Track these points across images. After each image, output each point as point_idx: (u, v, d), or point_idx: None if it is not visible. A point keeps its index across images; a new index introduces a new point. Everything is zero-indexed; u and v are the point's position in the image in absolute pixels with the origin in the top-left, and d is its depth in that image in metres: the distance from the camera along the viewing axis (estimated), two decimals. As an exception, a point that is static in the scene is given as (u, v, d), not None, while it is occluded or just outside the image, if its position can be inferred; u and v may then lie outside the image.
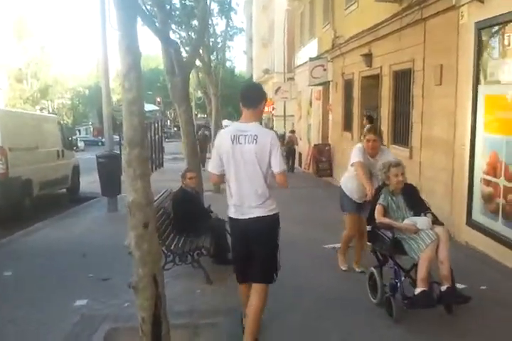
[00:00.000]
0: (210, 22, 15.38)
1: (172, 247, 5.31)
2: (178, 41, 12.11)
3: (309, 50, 18.06)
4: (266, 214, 3.74)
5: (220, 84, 17.21)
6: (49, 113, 43.46)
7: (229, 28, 18.31)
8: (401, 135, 9.53)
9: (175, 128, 53.58)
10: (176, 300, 4.59)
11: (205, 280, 5.32)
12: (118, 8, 3.15)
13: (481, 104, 6.32)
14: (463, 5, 6.61)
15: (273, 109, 29.50)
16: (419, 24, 8.16)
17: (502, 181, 5.89)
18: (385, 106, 10.29)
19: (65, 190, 13.42)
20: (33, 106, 49.87)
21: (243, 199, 3.73)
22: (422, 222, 4.32)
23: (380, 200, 4.53)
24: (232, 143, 3.69)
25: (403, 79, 9.31)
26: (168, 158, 23.81)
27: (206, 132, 22.10)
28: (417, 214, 4.48)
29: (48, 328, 4.34)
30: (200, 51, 13.70)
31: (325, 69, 15.40)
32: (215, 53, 18.08)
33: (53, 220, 9.68)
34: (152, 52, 57.05)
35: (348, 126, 13.50)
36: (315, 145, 16.88)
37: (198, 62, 14.66)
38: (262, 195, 3.72)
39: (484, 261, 6.02)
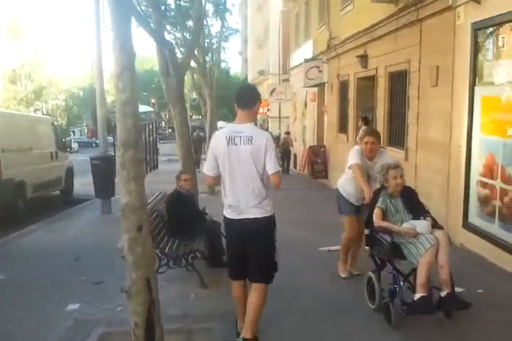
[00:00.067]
0: (205, 23, 15.31)
1: (166, 250, 5.24)
2: (173, 42, 12.07)
3: (304, 51, 18.05)
4: (262, 216, 3.76)
5: (215, 86, 17.16)
6: (43, 114, 43.29)
7: (224, 29, 18.24)
8: (397, 136, 9.50)
9: (169, 130, 53.48)
10: (170, 304, 4.53)
11: (200, 284, 5.25)
12: (112, 7, 3.10)
13: (477, 105, 6.29)
14: (459, 5, 6.59)
15: (268, 110, 29.49)
16: (415, 25, 8.13)
17: (498, 183, 5.86)
18: (381, 108, 10.26)
19: (58, 192, 13.34)
20: (27, 108, 49.65)
21: (239, 200, 3.75)
22: (422, 225, 4.24)
23: (379, 203, 4.45)
24: (228, 144, 3.71)
25: (399, 81, 9.28)
26: (162, 159, 23.75)
27: (201, 133, 22.04)
28: (416, 217, 4.40)
29: (40, 332, 4.28)
30: (195, 52, 13.64)
31: (320, 71, 15.38)
32: (210, 54, 18.01)
33: (47, 222, 9.61)
34: (147, 53, 56.96)
35: (343, 127, 13.48)
36: (310, 146, 16.85)
37: (193, 63, 14.60)
38: (258, 195, 3.74)
39: (480, 264, 5.99)
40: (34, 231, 8.73)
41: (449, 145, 7.06)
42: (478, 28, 6.15)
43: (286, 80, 24.23)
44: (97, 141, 12.07)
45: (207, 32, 17.08)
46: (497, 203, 5.90)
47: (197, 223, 5.79)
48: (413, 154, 8.47)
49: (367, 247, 4.65)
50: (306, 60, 16.15)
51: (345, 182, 5.43)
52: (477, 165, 6.35)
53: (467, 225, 6.56)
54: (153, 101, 48.29)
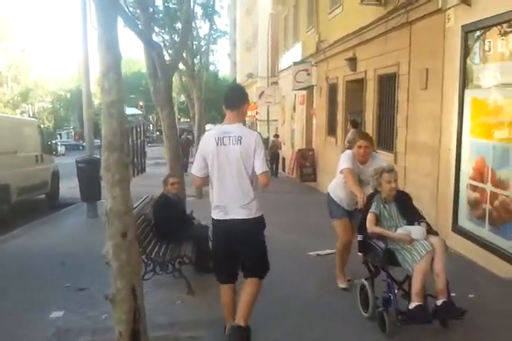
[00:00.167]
0: (193, 25, 15.24)
1: (152, 255, 5.12)
2: (162, 44, 11.97)
3: (293, 54, 18.04)
4: (251, 217, 3.77)
5: (204, 88, 17.08)
6: (29, 117, 42.89)
7: (212, 31, 18.21)
8: (386, 140, 9.47)
9: (157, 133, 53.21)
10: (156, 311, 4.43)
11: (187, 291, 5.13)
12: (98, 5, 3.02)
13: (467, 108, 6.27)
14: (449, 8, 6.56)
15: (256, 113, 29.44)
16: (404, 27, 8.11)
17: (489, 187, 5.84)
18: (370, 111, 10.24)
19: (44, 196, 13.16)
20: (14, 110, 49.15)
21: (227, 200, 3.76)
22: (417, 231, 4.12)
23: (372, 208, 4.32)
24: (217, 144, 3.73)
25: (388, 84, 9.26)
26: (150, 162, 23.59)
27: (189, 136, 21.93)
28: (410, 223, 4.28)
29: (22, 342, 4.14)
30: (184, 54, 13.57)
31: (309, 74, 15.37)
32: (198, 57, 17.95)
33: (31, 226, 9.46)
34: (134, 55, 56.82)
35: (332, 130, 13.45)
36: (299, 150, 16.83)
37: (181, 66, 14.52)
38: (247, 195, 3.75)
39: (470, 268, 5.94)
40: (18, 236, 8.57)
41: (439, 148, 7.03)
42: (468, 30, 6.13)
43: (275, 83, 24.21)
44: (84, 144, 11.92)
45: (195, 34, 17.03)
46: (487, 207, 5.88)
47: (184, 228, 5.69)
48: (402, 157, 8.44)
49: (360, 253, 4.51)
50: (294, 63, 16.14)
51: (336, 186, 5.29)
52: (467, 169, 6.32)
53: (457, 229, 6.53)
54: (141, 103, 48.13)
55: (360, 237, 4.46)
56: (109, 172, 3.04)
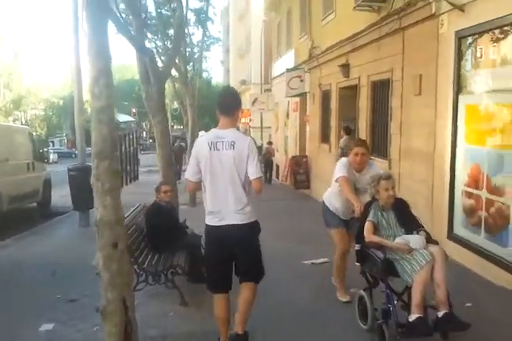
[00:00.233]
0: (186, 31, 15.21)
1: (145, 265, 5.02)
2: (154, 50, 11.93)
3: (286, 61, 18.05)
4: (245, 222, 3.76)
5: (197, 95, 17.04)
6: (22, 124, 42.70)
7: (206, 38, 18.18)
8: (379, 146, 9.43)
9: (150, 140, 53.16)
10: (148, 323, 4.34)
11: (180, 302, 5.02)
12: (88, 9, 2.97)
13: (461, 114, 6.23)
14: (443, 13, 6.54)
15: (250, 120, 29.43)
16: (397, 33, 8.09)
17: (484, 193, 5.79)
18: (363, 117, 10.21)
19: (35, 204, 13.02)
20: (6, 118, 48.96)
21: (221, 206, 3.75)
22: (416, 240, 3.99)
23: (370, 217, 4.19)
24: (210, 149, 3.72)
25: (381, 90, 9.24)
26: (143, 170, 23.50)
27: (182, 143, 21.85)
28: (408, 231, 4.17)
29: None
30: (177, 61, 13.52)
31: (302, 80, 15.35)
32: (191, 63, 17.91)
33: (23, 236, 9.34)
34: (127, 61, 56.74)
35: (325, 137, 13.42)
36: (292, 156, 16.79)
37: (174, 72, 14.47)
38: (240, 200, 3.74)
39: (466, 276, 5.87)
40: (9, 246, 8.47)
41: (433, 154, 6.99)
42: (462, 35, 6.11)
43: (268, 90, 24.21)
44: (77, 152, 11.82)
45: (188, 41, 17.00)
46: (483, 214, 5.82)
47: (177, 237, 5.58)
48: (396, 164, 8.39)
49: (357, 263, 4.40)
50: (288, 70, 16.12)
51: (332, 195, 5.17)
52: (462, 175, 6.28)
53: (452, 236, 6.47)
54: (134, 110, 48.05)
55: (357, 246, 4.34)
56: (99, 181, 2.98)
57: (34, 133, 14.77)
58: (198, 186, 3.91)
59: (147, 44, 10.14)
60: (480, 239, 5.90)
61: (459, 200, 6.35)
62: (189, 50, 17.55)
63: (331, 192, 5.19)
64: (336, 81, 11.89)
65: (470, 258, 6.04)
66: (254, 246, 3.86)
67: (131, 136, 21.26)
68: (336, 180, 4.89)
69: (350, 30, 10.07)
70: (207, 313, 4.38)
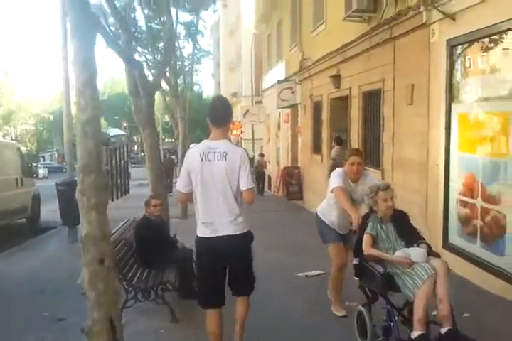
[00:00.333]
0: (176, 44, 15.19)
1: (134, 282, 4.87)
2: (144, 64, 11.87)
3: (277, 72, 18.07)
4: (238, 233, 3.74)
5: (188, 108, 16.99)
6: (12, 139, 42.40)
7: (196, 51, 18.18)
8: (372, 156, 9.36)
9: (142, 153, 52.97)
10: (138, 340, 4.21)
11: (170, 318, 4.87)
12: (73, 18, 2.90)
13: (454, 123, 6.20)
14: (434, 22, 6.53)
15: (241, 132, 29.40)
16: (388, 43, 8.07)
17: (479, 202, 5.73)
18: (355, 128, 10.16)
19: (24, 220, 12.82)
20: (-4, 133, 48.69)
21: (214, 217, 3.72)
22: (417, 253, 3.82)
23: (368, 229, 4.02)
24: (202, 160, 3.70)
25: (373, 100, 9.20)
26: (134, 183, 23.35)
27: (172, 156, 21.74)
28: (408, 244, 4.00)
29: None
30: (167, 74, 13.46)
31: (293, 92, 15.35)
32: (182, 77, 17.88)
33: (12, 252, 9.18)
34: (116, 76, 56.75)
35: (317, 148, 13.38)
36: (284, 167, 16.75)
37: (164, 85, 14.41)
38: (233, 211, 3.72)
39: (463, 285, 5.76)
40: (-3, 262, 8.28)
41: (426, 164, 6.94)
42: (453, 44, 6.08)
43: (259, 102, 24.24)
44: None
45: (179, 54, 16.98)
46: (478, 222, 5.76)
47: (167, 252, 5.44)
48: (389, 174, 8.33)
49: (356, 278, 4.22)
50: (278, 81, 16.13)
51: (327, 208, 5.00)
52: (456, 184, 6.22)
53: (447, 245, 6.40)
54: (124, 124, 47.91)
55: (356, 260, 4.17)
56: (84, 196, 2.88)
57: (24, 149, 14.60)
58: (189, 197, 3.88)
59: (137, 57, 10.08)
60: (476, 248, 5.83)
61: (454, 209, 6.29)
62: (179, 63, 17.53)
63: (327, 204, 5.02)
64: (327, 92, 11.87)
65: (466, 268, 5.96)
66: (247, 256, 3.84)
67: (121, 150, 21.15)
68: (332, 191, 4.70)
69: (340, 40, 10.07)
70: (199, 330, 4.24)
